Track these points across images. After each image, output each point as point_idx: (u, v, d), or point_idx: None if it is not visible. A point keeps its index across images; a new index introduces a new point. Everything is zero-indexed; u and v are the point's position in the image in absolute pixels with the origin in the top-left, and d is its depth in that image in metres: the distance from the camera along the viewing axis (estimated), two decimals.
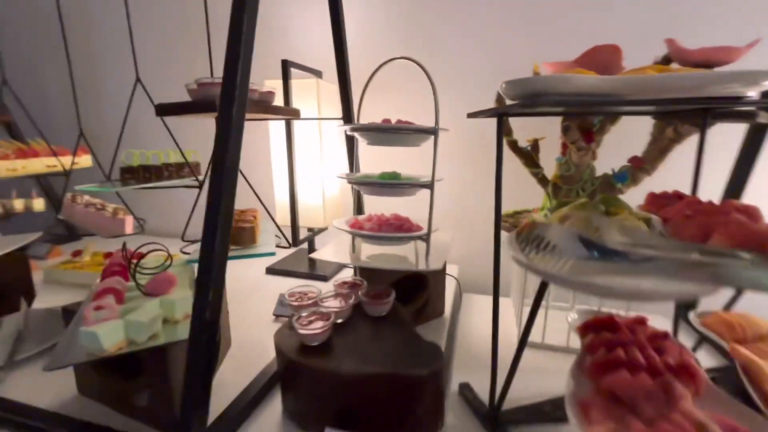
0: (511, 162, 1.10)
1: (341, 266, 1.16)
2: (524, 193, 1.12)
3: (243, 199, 1.14)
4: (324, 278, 1.09)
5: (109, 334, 0.44)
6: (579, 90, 0.43)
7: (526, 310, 0.75)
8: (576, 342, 0.80)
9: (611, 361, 0.43)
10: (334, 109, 1.12)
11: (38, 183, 1.34)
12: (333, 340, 0.55)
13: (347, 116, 0.93)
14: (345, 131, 0.78)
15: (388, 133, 0.71)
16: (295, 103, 0.99)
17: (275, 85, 1.03)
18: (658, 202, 0.54)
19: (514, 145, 0.86)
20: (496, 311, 0.59)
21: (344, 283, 0.67)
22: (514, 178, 1.13)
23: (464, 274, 1.18)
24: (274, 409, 0.58)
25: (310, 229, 1.15)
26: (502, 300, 1.09)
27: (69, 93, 1.50)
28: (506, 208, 0.94)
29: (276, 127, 1.07)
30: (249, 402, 0.57)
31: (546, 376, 0.69)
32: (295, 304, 0.60)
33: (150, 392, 0.52)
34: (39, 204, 1.13)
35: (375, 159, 1.18)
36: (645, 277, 0.30)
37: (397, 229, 0.75)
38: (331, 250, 0.79)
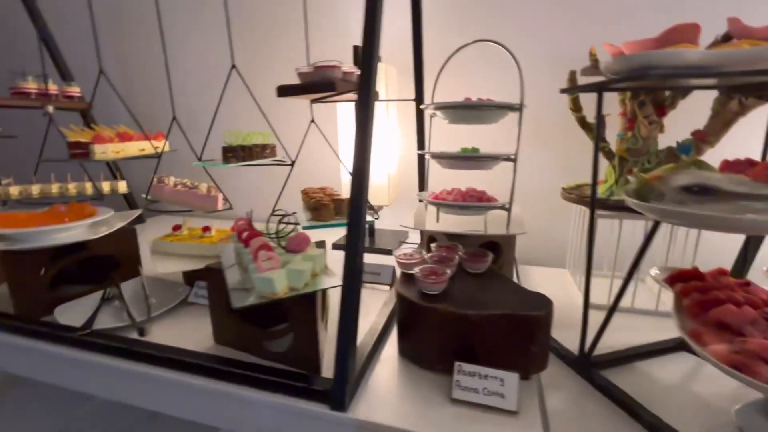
0: (562, 138, 1.17)
1: (401, 241, 1.24)
2: (574, 168, 1.18)
3: (303, 178, 1.22)
4: (388, 252, 1.17)
5: (279, 280, 0.52)
6: (686, 63, 0.49)
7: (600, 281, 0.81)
8: (641, 303, 0.87)
9: (713, 299, 0.50)
10: (395, 92, 1.18)
11: (109, 168, 1.43)
12: (446, 289, 0.62)
13: (419, 97, 0.99)
14: (425, 110, 0.85)
15: (474, 110, 0.78)
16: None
17: None
18: (733, 167, 0.60)
19: (583, 121, 0.91)
20: (589, 273, 0.64)
21: (441, 246, 0.74)
22: (564, 153, 1.19)
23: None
24: (389, 354, 0.67)
25: (370, 207, 1.23)
26: (557, 270, 1.16)
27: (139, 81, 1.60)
28: (565, 182, 1.00)
29: (343, 109, 1.13)
30: (370, 350, 0.65)
31: (617, 333, 0.76)
32: (405, 262, 0.68)
33: (293, 336, 0.60)
34: (123, 186, 1.21)
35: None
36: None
37: (478, 200, 0.82)
38: (413, 220, 0.87)
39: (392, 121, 1.18)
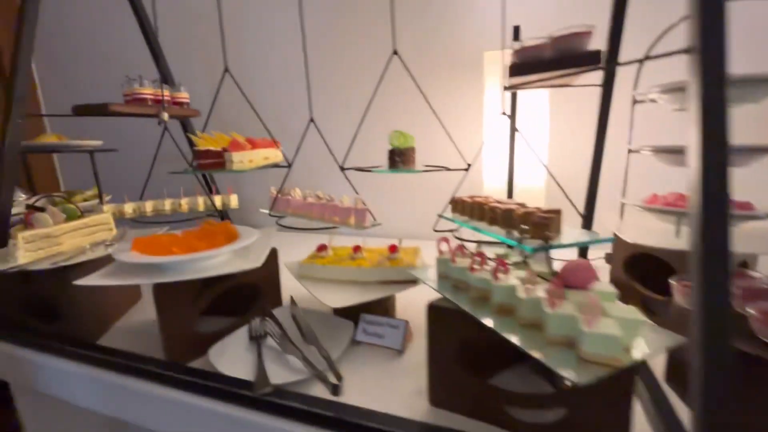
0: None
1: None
2: None
3: (415, 184, 1.04)
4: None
5: (623, 338, 0.34)
6: None
7: None
8: None
9: None
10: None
11: (204, 179, 1.32)
12: None
13: (609, 83, 0.80)
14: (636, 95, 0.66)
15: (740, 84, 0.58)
16: None
17: (495, 56, 0.93)
18: None
19: None
20: None
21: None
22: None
23: None
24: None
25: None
26: None
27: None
28: None
29: (491, 98, 0.96)
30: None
31: None
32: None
33: (574, 407, 0.42)
34: (234, 200, 1.09)
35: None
36: None
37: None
38: (640, 234, 0.68)
39: (544, 113, 0.99)
